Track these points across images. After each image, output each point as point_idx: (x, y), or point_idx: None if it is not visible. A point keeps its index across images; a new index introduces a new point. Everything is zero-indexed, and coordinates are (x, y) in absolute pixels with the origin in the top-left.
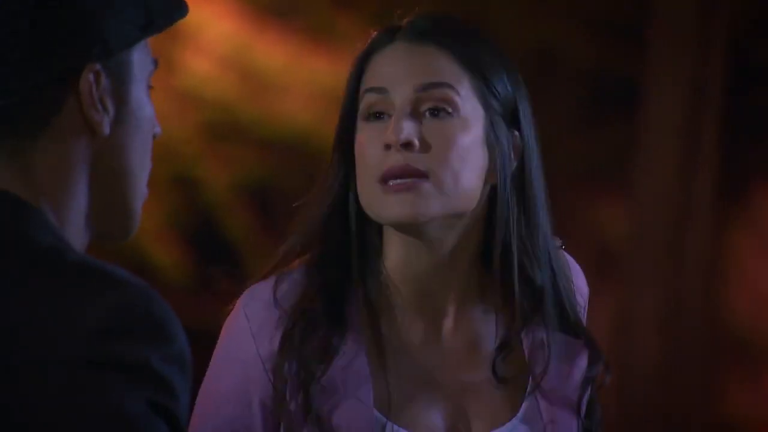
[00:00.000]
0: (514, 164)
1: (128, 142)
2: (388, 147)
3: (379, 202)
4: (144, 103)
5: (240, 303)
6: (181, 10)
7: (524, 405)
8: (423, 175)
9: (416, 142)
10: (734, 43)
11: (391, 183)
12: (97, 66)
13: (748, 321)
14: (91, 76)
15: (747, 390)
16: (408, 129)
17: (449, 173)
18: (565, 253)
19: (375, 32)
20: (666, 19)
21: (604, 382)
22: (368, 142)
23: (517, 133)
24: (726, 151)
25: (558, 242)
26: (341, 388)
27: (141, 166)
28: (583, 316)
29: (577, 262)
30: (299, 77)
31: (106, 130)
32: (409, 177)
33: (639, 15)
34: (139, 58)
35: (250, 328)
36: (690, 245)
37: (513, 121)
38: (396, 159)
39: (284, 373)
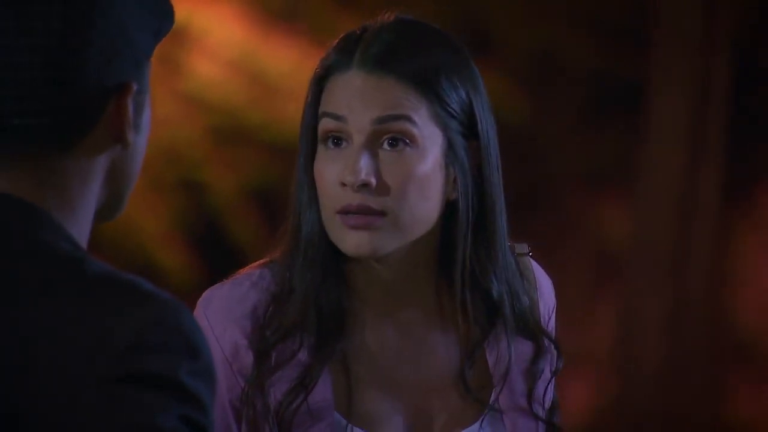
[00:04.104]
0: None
1: (140, 149)
2: (344, 185)
3: (337, 234)
4: (149, 107)
5: (199, 307)
6: (173, 12)
7: (487, 411)
8: (379, 214)
9: (373, 182)
10: (739, 43)
11: (347, 218)
12: (134, 82)
13: (753, 324)
14: (131, 92)
15: (751, 393)
16: (365, 168)
17: (406, 209)
18: (533, 262)
19: (332, 49)
20: (670, 21)
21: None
22: (326, 173)
23: (475, 142)
24: (731, 153)
25: (525, 249)
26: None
27: (141, 164)
28: (549, 325)
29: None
30: (305, 80)
31: (132, 140)
32: (365, 214)
33: (643, 16)
34: (149, 64)
35: (213, 331)
36: (695, 247)
37: (471, 130)
38: (352, 198)
39: (253, 377)
